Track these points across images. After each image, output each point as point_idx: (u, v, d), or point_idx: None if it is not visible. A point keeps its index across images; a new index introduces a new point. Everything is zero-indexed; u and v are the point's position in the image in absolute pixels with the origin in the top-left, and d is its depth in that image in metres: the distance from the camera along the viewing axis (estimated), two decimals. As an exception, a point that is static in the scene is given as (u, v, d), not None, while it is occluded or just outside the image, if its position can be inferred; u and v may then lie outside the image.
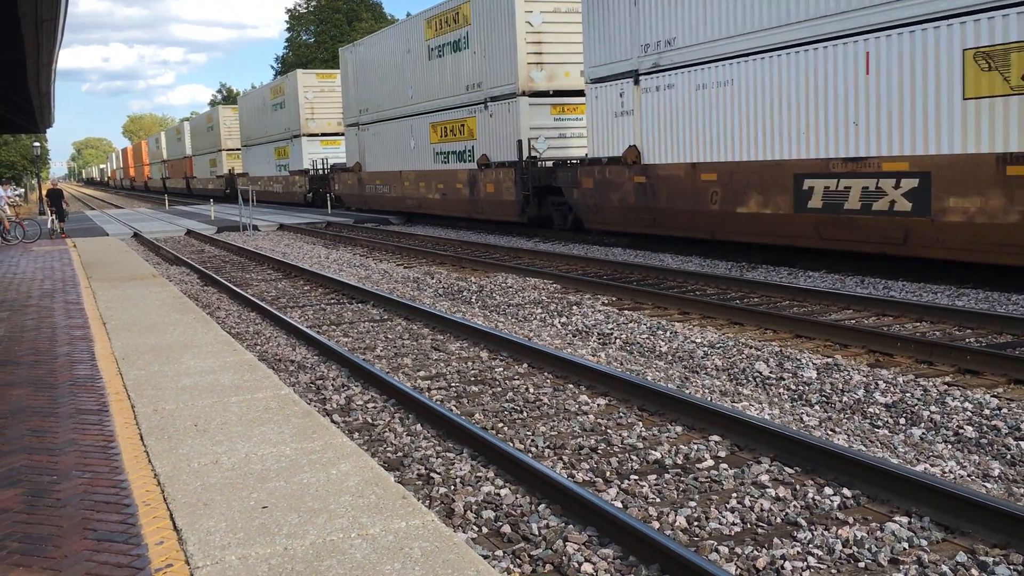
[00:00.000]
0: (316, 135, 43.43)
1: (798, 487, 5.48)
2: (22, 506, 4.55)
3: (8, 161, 73.18)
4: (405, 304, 12.64)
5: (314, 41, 72.13)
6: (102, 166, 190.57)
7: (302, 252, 22.84)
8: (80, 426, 5.98)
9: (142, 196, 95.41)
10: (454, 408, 7.59)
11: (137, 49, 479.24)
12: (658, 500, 5.41)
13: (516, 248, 20.81)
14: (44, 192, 36.72)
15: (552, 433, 6.79)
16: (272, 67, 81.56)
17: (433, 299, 13.98)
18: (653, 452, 6.20)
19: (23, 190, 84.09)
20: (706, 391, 7.98)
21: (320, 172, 41.57)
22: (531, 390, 8.05)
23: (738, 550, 4.67)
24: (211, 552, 3.89)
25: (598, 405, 7.48)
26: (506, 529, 5.01)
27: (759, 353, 9.11)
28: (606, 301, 12.94)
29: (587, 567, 4.50)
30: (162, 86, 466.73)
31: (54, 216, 28.12)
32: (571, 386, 8.10)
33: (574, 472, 5.92)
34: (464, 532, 5.02)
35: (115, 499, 4.58)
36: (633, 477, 5.78)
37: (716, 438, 6.43)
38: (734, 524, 5.01)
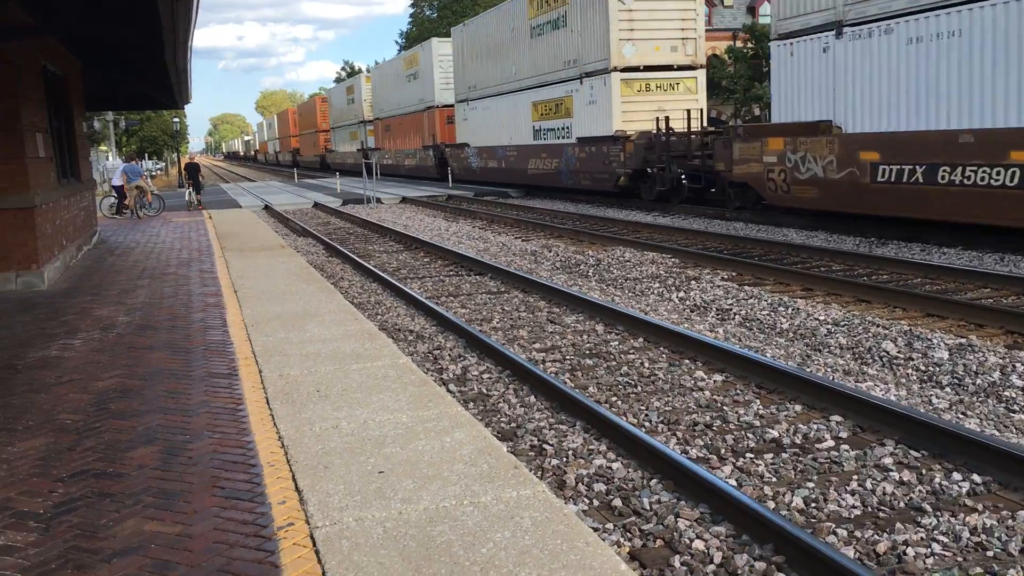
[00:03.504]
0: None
1: (924, 472, 5.27)
2: (158, 463, 4.82)
3: (151, 136, 76.93)
4: (522, 277, 12.72)
5: (437, 16, 72.80)
6: (247, 137, 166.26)
7: (423, 224, 23.25)
8: (211, 389, 6.28)
9: (273, 169, 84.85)
10: (568, 381, 7.60)
11: (270, 27, 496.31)
12: (774, 480, 5.30)
13: (635, 222, 20.61)
14: (183, 165, 38.40)
15: (666, 408, 6.73)
16: (396, 42, 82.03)
17: (550, 272, 14.01)
18: (770, 431, 6.07)
19: (164, 164, 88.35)
20: (828, 370, 7.74)
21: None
22: (646, 365, 7.98)
23: (857, 533, 4.53)
24: (330, 513, 4.03)
25: (714, 381, 7.36)
26: (617, 503, 5.01)
27: (887, 332, 8.77)
28: (726, 276, 12.69)
29: (698, 544, 4.46)
30: (292, 63, 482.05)
31: (191, 188, 29.45)
32: (687, 362, 8.00)
33: (687, 448, 5.85)
34: (575, 504, 5.04)
35: (242, 459, 4.80)
36: (749, 455, 5.68)
37: (837, 418, 6.23)
38: (854, 507, 4.86)
